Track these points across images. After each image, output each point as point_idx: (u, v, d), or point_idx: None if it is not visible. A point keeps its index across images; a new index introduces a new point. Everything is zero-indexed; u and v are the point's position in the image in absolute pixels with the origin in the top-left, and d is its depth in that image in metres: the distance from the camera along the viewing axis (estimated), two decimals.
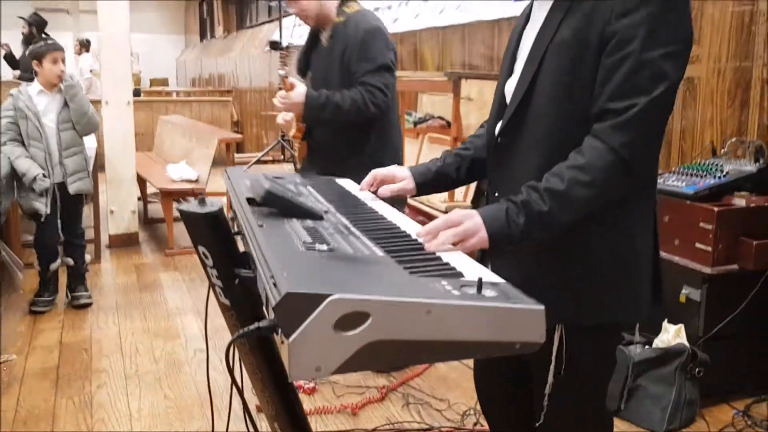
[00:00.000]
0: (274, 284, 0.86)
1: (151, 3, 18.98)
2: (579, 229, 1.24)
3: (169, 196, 4.54)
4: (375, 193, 1.55)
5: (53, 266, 3.53)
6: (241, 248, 1.31)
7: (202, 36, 17.24)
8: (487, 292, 0.92)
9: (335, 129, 2.50)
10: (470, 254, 1.16)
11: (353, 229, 1.22)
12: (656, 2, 1.14)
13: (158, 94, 11.71)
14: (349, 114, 2.38)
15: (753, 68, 2.77)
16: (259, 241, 1.08)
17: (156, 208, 5.52)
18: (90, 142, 4.47)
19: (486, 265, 1.36)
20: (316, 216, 1.27)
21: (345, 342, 0.83)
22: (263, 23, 11.46)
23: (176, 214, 4.82)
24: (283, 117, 2.62)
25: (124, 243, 4.73)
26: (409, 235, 1.23)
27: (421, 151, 4.58)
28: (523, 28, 1.38)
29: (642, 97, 1.14)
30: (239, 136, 5.48)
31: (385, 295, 0.85)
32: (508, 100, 1.34)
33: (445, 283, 0.94)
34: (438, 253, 1.11)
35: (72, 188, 3.48)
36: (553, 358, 1.33)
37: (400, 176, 1.52)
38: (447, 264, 1.06)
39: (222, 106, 8.72)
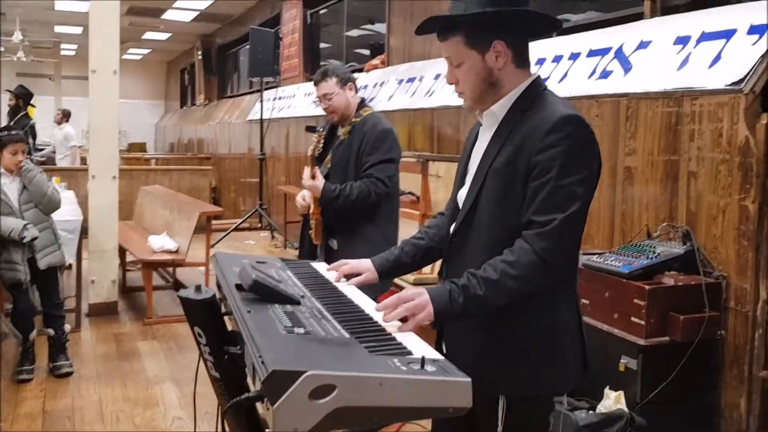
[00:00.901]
0: (263, 362, 1.13)
1: (135, 69, 19.50)
2: (514, 314, 1.54)
3: (150, 266, 4.77)
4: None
5: (31, 336, 3.71)
6: (229, 327, 1.58)
7: (183, 103, 17.69)
8: (428, 368, 1.20)
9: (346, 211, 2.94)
10: (425, 333, 1.45)
11: (325, 313, 1.50)
12: (570, 142, 1.49)
13: (137, 161, 11.99)
14: (355, 203, 2.87)
15: (680, 162, 3.14)
16: (248, 324, 1.35)
17: (135, 277, 5.71)
18: (76, 214, 4.72)
19: (442, 344, 1.68)
20: (294, 302, 1.55)
21: (317, 408, 1.10)
22: (244, 94, 11.93)
23: (156, 283, 5.03)
24: (302, 196, 3.10)
25: (104, 312, 4.90)
26: (371, 318, 1.51)
27: None
28: (473, 145, 1.72)
29: (559, 214, 1.46)
30: (220, 209, 5.74)
31: (348, 371, 1.13)
32: (460, 205, 1.67)
33: (396, 360, 1.22)
34: (394, 335, 1.39)
35: (42, 263, 3.68)
36: (500, 423, 1.60)
37: (363, 268, 1.82)
38: (400, 344, 1.34)
39: (201, 174, 9.03)
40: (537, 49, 4.26)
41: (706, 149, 2.99)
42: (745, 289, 2.80)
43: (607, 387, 2.85)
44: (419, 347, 1.33)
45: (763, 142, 2.70)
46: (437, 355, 1.29)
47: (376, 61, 6.77)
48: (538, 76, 1.64)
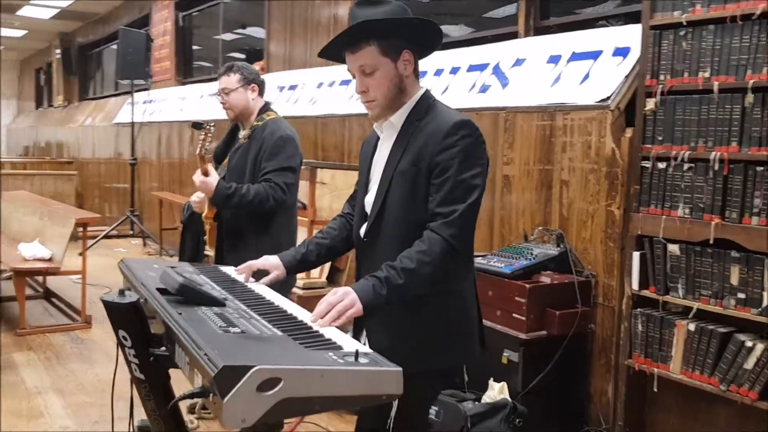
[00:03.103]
0: (209, 359, 1.18)
1: None
2: (427, 298, 1.71)
3: (21, 275, 4.48)
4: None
5: None
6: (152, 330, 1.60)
7: (38, 103, 16.55)
8: (362, 359, 1.30)
9: (244, 214, 2.84)
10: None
11: (252, 313, 1.56)
12: (464, 143, 1.68)
13: None
14: (251, 204, 2.74)
15: (553, 171, 3.45)
16: (181, 325, 1.38)
17: (4, 286, 5.33)
18: None
19: (361, 330, 1.79)
20: (220, 303, 1.59)
21: (264, 400, 1.16)
22: (108, 96, 11.38)
23: (28, 292, 4.74)
24: (197, 196, 2.93)
25: None
26: (295, 317, 1.59)
27: None
28: (372, 154, 1.85)
29: (460, 204, 1.66)
30: (97, 215, 5.49)
31: (292, 365, 1.20)
32: (368, 210, 1.80)
33: (331, 354, 1.31)
34: (319, 330, 1.48)
35: None
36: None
37: (271, 266, 1.92)
38: (329, 339, 1.43)
39: (66, 179, 8.55)
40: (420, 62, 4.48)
41: (576, 160, 3.30)
42: (612, 286, 3.13)
43: (492, 379, 3.06)
44: (346, 341, 1.43)
45: (627, 154, 3.04)
46: (367, 349, 1.40)
47: (255, 67, 6.74)
48: (428, 89, 1.84)
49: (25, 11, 11.46)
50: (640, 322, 2.87)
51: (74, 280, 5.32)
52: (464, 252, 1.71)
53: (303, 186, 5.00)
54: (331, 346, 1.38)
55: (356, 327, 1.87)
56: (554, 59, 3.62)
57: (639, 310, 2.88)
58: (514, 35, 4.09)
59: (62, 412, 3.27)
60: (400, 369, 1.30)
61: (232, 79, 2.92)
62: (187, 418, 3.15)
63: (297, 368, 1.20)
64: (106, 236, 7.80)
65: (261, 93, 3.02)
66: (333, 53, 1.80)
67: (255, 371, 1.15)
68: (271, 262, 1.96)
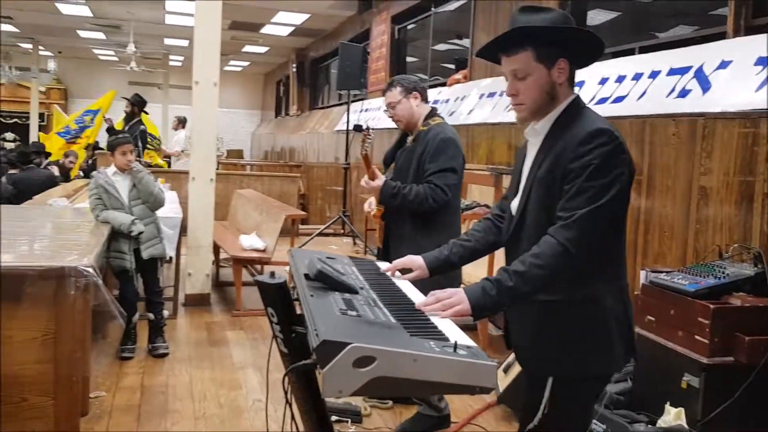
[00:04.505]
0: (316, 334, 1.34)
1: (235, 80, 20.51)
2: (561, 304, 1.72)
3: (239, 262, 5.13)
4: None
5: (134, 319, 4.12)
6: (298, 311, 1.80)
7: (278, 113, 18.44)
8: (460, 351, 1.37)
9: (407, 214, 3.03)
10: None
11: (379, 302, 1.69)
12: (598, 152, 1.66)
13: (234, 167, 12.67)
14: (412, 204, 2.94)
15: (755, 183, 3.14)
16: (310, 306, 1.56)
17: (226, 272, 6.12)
18: (177, 212, 5.14)
19: (509, 333, 1.93)
20: (353, 291, 1.75)
21: (359, 375, 1.29)
22: (333, 106, 12.37)
23: (245, 279, 5.39)
24: (369, 203, 3.22)
25: (198, 302, 5.31)
26: (416, 309, 1.69)
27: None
28: (523, 161, 1.92)
29: (580, 210, 1.65)
30: (304, 213, 6.06)
31: (387, 347, 1.31)
32: (513, 212, 1.89)
33: (432, 343, 1.39)
34: (435, 323, 1.57)
35: (145, 254, 4.07)
36: (543, 403, 1.77)
37: (415, 265, 2.02)
38: (440, 331, 1.51)
39: (291, 181, 9.46)
40: (617, 66, 4.31)
41: None
42: None
43: (668, 403, 2.88)
44: (457, 335, 1.50)
45: None
46: (471, 343, 1.45)
47: (458, 76, 6.93)
48: (578, 96, 1.82)
49: (267, 30, 12.89)
50: None
51: (286, 270, 5.91)
52: (584, 258, 1.67)
53: (488, 191, 5.09)
54: (436, 336, 1.46)
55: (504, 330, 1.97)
56: (762, 61, 3.29)
57: None
58: (722, 36, 3.78)
59: (257, 386, 3.71)
60: (495, 363, 1.34)
61: (395, 93, 3.12)
62: (361, 404, 3.38)
63: (391, 350, 1.30)
64: (322, 234, 8.50)
65: (424, 99, 3.16)
66: (490, 54, 1.85)
67: (351, 348, 1.27)
68: (415, 261, 2.07)
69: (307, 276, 1.84)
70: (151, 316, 4.17)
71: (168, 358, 4.10)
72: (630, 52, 4.54)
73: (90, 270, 2.79)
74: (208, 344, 4.44)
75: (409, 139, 3.16)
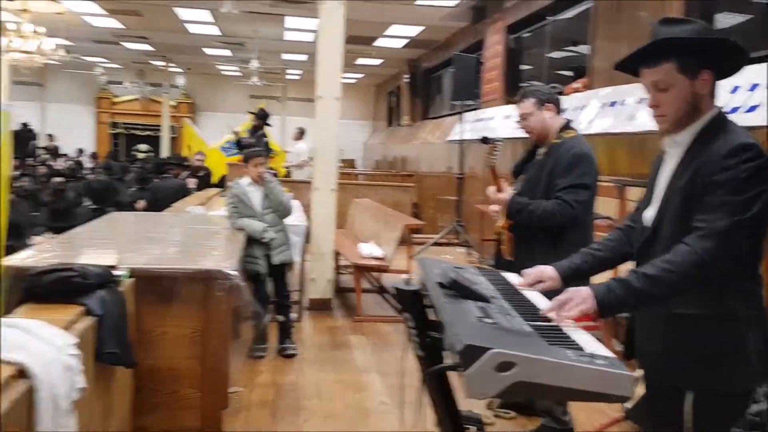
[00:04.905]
0: (459, 338, 1.44)
1: (348, 92, 21.04)
2: (694, 316, 1.74)
3: (360, 270, 5.34)
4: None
5: (265, 320, 4.40)
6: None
7: (389, 123, 18.79)
8: (598, 361, 1.43)
9: (537, 229, 3.02)
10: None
11: (512, 311, 1.78)
12: (744, 167, 1.66)
13: (347, 176, 13.05)
14: (539, 220, 2.95)
15: None
16: (447, 312, 1.67)
17: (346, 279, 6.36)
18: (302, 220, 5.43)
19: (632, 339, 1.94)
20: (485, 299, 1.84)
21: (500, 379, 1.38)
22: (445, 116, 12.48)
23: (364, 286, 5.60)
24: (497, 212, 3.23)
25: (320, 307, 5.57)
26: (550, 320, 1.76)
27: None
28: (657, 172, 1.93)
29: (722, 221, 1.65)
30: (422, 222, 6.21)
31: (528, 354, 1.40)
32: (646, 225, 1.90)
33: (569, 352, 1.46)
34: (569, 334, 1.63)
35: (276, 259, 4.36)
36: (687, 418, 1.77)
37: (546, 276, 2.07)
38: (574, 341, 1.58)
39: (404, 190, 9.66)
40: (750, 73, 4.14)
41: None
42: None
43: None
44: (590, 345, 1.56)
45: None
46: (608, 353, 1.51)
47: (577, 84, 6.85)
48: (721, 109, 1.81)
49: (380, 42, 13.21)
50: None
51: (403, 278, 6.06)
52: (718, 269, 1.68)
53: (612, 203, 5.00)
54: (573, 345, 1.53)
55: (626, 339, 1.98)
56: None
57: None
58: None
59: (382, 389, 3.86)
60: (632, 374, 1.39)
61: (528, 104, 3.10)
62: (483, 413, 3.45)
63: (530, 356, 1.39)
64: (436, 243, 8.62)
65: (558, 111, 3.13)
66: (629, 66, 1.87)
67: (493, 353, 1.37)
68: (545, 272, 2.12)
69: (440, 284, 1.95)
70: (281, 318, 4.44)
71: (296, 358, 4.35)
72: (765, 59, 4.34)
73: (234, 273, 3.04)
74: (331, 347, 4.66)
75: (541, 151, 3.14)
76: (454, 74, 8.90)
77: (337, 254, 6.18)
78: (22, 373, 1.69)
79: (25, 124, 18.41)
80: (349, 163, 19.10)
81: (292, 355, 4.36)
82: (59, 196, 5.87)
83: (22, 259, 3.02)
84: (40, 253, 3.22)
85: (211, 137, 12.85)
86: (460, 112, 9.07)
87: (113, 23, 12.58)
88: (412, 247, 5.66)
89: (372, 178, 12.44)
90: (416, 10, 10.13)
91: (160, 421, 2.98)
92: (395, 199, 9.10)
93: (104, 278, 2.52)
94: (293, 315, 4.63)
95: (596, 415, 3.45)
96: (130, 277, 2.84)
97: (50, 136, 19.52)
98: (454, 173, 9.27)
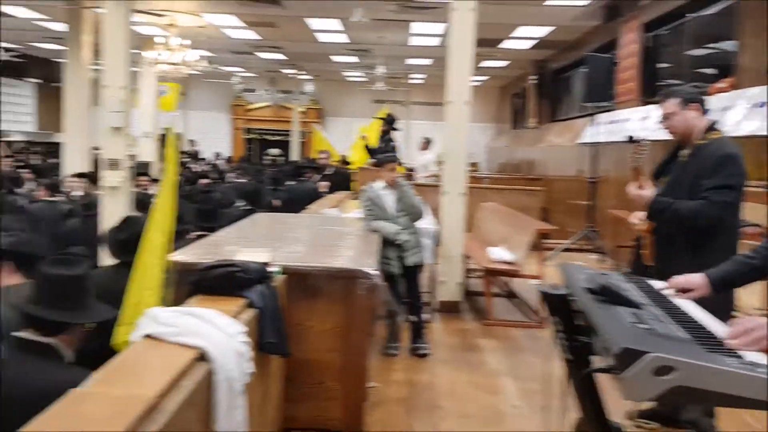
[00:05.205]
0: (614, 342, 1.46)
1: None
2: None
3: (489, 273, 5.36)
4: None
5: (399, 320, 4.53)
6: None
7: (514, 125, 18.55)
8: (759, 369, 1.41)
9: (679, 231, 2.95)
10: None
11: (664, 318, 1.76)
12: None
13: (472, 180, 13.00)
14: (683, 219, 2.87)
15: None
16: (599, 317, 1.69)
17: (473, 282, 6.40)
18: (433, 224, 5.53)
19: None
20: (636, 305, 1.84)
21: (658, 383, 1.39)
22: (575, 118, 12.17)
23: (494, 290, 5.61)
24: (636, 216, 3.18)
25: (449, 309, 5.65)
26: (704, 327, 1.73)
27: None
28: None
29: None
30: (554, 227, 6.14)
31: (688, 359, 1.40)
32: None
33: (729, 359, 1.45)
34: (726, 342, 1.60)
35: (409, 261, 4.49)
36: None
37: (695, 284, 2.02)
38: (733, 349, 1.55)
39: (531, 194, 9.53)
40: None
41: None
42: None
43: None
44: (752, 354, 1.53)
45: None
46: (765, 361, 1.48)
47: (722, 84, 6.49)
48: None
49: (506, 44, 13.09)
50: None
51: (533, 284, 6.01)
52: None
53: (760, 209, 4.71)
54: (731, 354, 1.51)
55: None
56: None
57: None
58: None
59: (515, 393, 3.88)
60: None
61: (671, 104, 3.02)
62: (622, 423, 3.37)
63: (690, 362, 1.40)
64: (566, 249, 8.45)
65: (703, 111, 3.03)
66: None
67: (651, 357, 1.39)
68: (694, 280, 2.07)
69: (589, 289, 1.96)
70: (414, 318, 4.56)
71: (429, 358, 4.45)
72: None
73: (375, 273, 3.19)
74: (462, 349, 4.73)
75: (684, 152, 3.06)
76: (586, 75, 8.68)
77: (466, 258, 6.23)
78: (202, 356, 1.88)
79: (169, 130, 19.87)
80: (472, 167, 19.04)
81: (424, 355, 4.47)
82: (207, 197, 6.32)
83: (185, 254, 3.32)
84: (200, 249, 3.51)
85: (337, 141, 13.31)
86: (591, 114, 8.84)
87: (250, 35, 13.31)
88: (542, 252, 5.59)
89: (497, 181, 12.35)
90: (546, 10, 9.97)
91: (306, 410, 3.17)
92: (523, 204, 8.98)
93: (262, 274, 2.73)
94: (426, 316, 4.74)
95: (743, 428, 3.28)
96: (282, 273, 3.05)
97: (192, 141, 20.92)
98: (585, 177, 9.04)
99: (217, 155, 19.42)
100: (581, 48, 11.51)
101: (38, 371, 1.97)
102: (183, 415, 1.60)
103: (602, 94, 8.55)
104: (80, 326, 2.17)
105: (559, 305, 1.94)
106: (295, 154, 19.60)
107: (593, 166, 8.68)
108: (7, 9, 11.22)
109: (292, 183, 8.75)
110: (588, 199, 8.72)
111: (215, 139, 21.47)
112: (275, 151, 21.52)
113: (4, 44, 15.34)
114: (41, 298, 2.11)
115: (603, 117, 9.19)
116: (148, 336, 1.95)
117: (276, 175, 9.35)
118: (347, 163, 10.70)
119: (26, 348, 2.06)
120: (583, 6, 9.68)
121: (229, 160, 18.91)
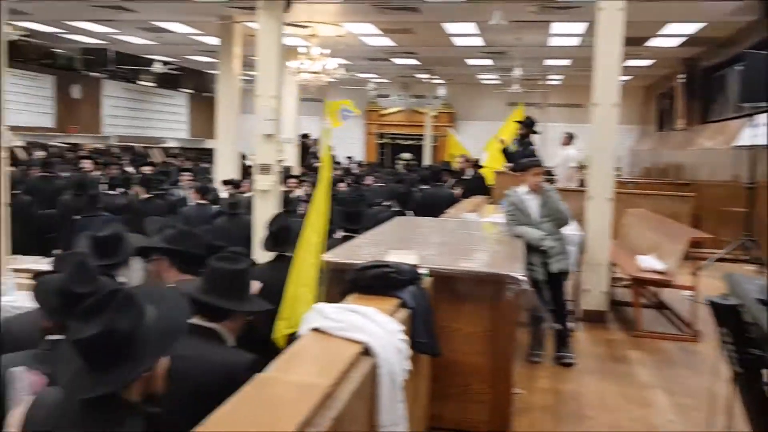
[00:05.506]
0: None
1: None
2: None
3: (638, 283, 5.14)
4: None
5: (543, 327, 4.46)
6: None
7: (660, 127, 17.61)
8: None
9: None
10: None
11: None
12: None
13: (617, 185, 12.45)
14: None
15: None
16: None
17: (619, 292, 6.16)
18: (578, 230, 5.40)
19: None
20: None
21: None
22: (730, 119, 11.37)
23: (642, 301, 5.37)
24: None
25: (594, 319, 5.47)
26: None
27: None
28: None
29: None
30: (709, 235, 5.79)
31: None
32: None
33: None
34: None
35: (553, 267, 4.40)
36: None
37: None
38: None
39: (681, 200, 9.01)
40: None
41: None
42: None
43: None
44: None
45: None
46: None
47: None
48: None
49: (652, 42, 12.46)
50: None
51: (685, 295, 5.69)
52: None
53: None
54: None
55: None
56: None
57: None
58: None
59: (668, 408, 3.71)
60: None
61: None
62: None
63: None
64: (720, 259, 7.90)
65: None
66: None
67: None
68: None
69: (762, 301, 1.86)
70: (558, 326, 4.47)
71: (573, 368, 4.35)
72: None
73: (523, 278, 3.18)
74: (610, 360, 4.58)
75: None
76: (743, 73, 8.09)
77: (612, 266, 6.01)
78: (366, 351, 1.98)
79: (305, 135, 20.68)
80: (617, 171, 18.28)
81: (569, 364, 4.38)
82: (353, 200, 6.56)
83: (337, 255, 3.47)
84: (351, 250, 3.66)
85: (470, 145, 13.26)
86: (749, 114, 8.22)
87: (386, 41, 13.60)
88: (694, 261, 5.28)
89: (644, 186, 11.76)
90: (699, 6, 9.42)
91: (452, 411, 3.21)
92: (672, 210, 8.51)
93: (413, 275, 2.81)
94: (571, 324, 4.63)
95: None
96: (429, 275, 3.12)
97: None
98: (741, 182, 8.43)
99: (350, 159, 19.98)
100: (736, 45, 10.75)
101: (209, 351, 2.18)
102: (353, 405, 1.70)
103: (761, 94, 7.93)
104: (241, 315, 2.36)
105: (729, 316, 1.85)
106: (427, 159, 19.74)
107: (751, 171, 8.07)
108: (167, 25, 12.26)
109: (427, 187, 8.84)
110: (745, 206, 8.12)
111: (349, 143, 22.08)
112: (407, 155, 21.81)
113: (162, 58, 16.76)
114: (209, 288, 2.33)
115: (762, 118, 8.53)
116: (315, 329, 2.08)
117: (413, 179, 9.49)
118: (480, 167, 10.62)
119: (194, 332, 2.26)
120: (740, 1, 9.06)
121: (360, 164, 19.40)
